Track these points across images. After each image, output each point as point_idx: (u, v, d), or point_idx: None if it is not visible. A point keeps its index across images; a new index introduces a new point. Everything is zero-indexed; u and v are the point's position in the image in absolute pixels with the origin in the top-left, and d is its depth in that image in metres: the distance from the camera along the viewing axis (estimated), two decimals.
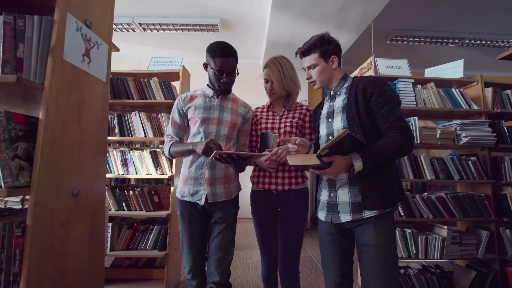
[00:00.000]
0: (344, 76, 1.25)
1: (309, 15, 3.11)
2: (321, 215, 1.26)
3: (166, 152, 1.40)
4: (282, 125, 1.44)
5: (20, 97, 0.87)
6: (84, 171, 0.97)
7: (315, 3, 2.91)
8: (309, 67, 1.23)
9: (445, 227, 2.07)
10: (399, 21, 3.72)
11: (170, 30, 3.83)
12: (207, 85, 1.44)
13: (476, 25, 3.74)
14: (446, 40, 3.98)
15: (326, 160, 1.01)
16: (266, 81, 1.47)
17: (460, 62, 2.29)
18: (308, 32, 3.42)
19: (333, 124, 1.21)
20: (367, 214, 1.10)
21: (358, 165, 1.03)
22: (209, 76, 1.38)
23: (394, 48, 4.35)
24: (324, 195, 1.25)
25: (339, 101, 1.21)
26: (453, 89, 2.24)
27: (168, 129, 1.44)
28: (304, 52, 1.23)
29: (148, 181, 2.65)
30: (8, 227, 0.74)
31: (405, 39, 3.99)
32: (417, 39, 3.98)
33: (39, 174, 0.77)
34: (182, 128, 1.44)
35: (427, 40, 3.99)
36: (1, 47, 0.78)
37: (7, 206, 1.88)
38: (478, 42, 4.01)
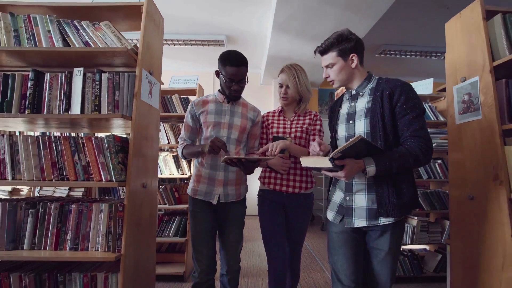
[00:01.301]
0: (368, 76, 1.20)
1: (305, 36, 3.61)
2: (330, 215, 1.25)
3: (180, 154, 1.49)
4: (293, 130, 1.51)
5: (115, 124, 1.36)
6: (147, 171, 1.46)
7: (310, 26, 3.42)
8: (327, 66, 1.19)
9: (415, 217, 2.56)
10: (386, 38, 4.22)
11: (180, 45, 4.32)
12: (219, 90, 1.51)
13: None
14: (430, 54, 4.49)
15: (338, 163, 1.01)
16: (281, 86, 1.53)
17: (430, 81, 2.79)
18: (304, 49, 3.93)
19: (355, 127, 1.18)
20: (383, 221, 1.09)
21: (371, 170, 1.03)
22: (220, 82, 1.46)
23: (384, 60, 4.86)
24: (338, 197, 1.22)
25: (362, 103, 1.17)
26: (423, 104, 2.73)
27: (182, 133, 1.52)
28: (322, 51, 1.19)
29: (163, 180, 3.13)
30: (114, 206, 1.23)
31: (393, 53, 4.49)
32: (404, 53, 4.49)
33: (131, 173, 1.25)
34: (195, 132, 1.52)
35: (412, 53, 4.49)
36: (106, 93, 1.27)
37: (55, 194, 2.36)
38: None
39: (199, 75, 3.15)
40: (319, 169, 1.15)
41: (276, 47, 3.94)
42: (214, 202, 1.42)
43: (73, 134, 2.25)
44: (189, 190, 1.48)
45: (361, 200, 1.13)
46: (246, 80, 1.44)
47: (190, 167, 2.62)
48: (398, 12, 3.45)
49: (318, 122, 1.54)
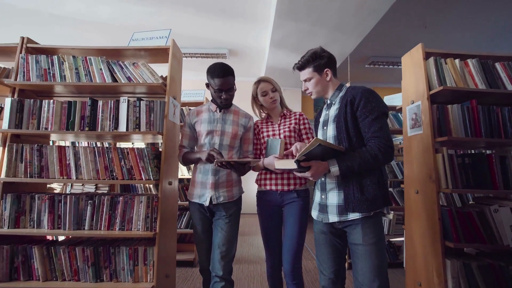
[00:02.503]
0: (339, 86, 1.36)
1: (300, 51, 4.08)
2: (314, 214, 1.39)
3: (180, 161, 1.66)
4: (282, 131, 1.66)
5: (150, 137, 1.85)
6: (171, 172, 1.94)
7: (304, 43, 3.92)
8: (305, 80, 1.35)
9: (392, 212, 3.04)
10: (374, 51, 4.72)
11: (186, 57, 4.81)
12: (211, 100, 1.68)
13: None
14: None
15: (304, 165, 1.15)
16: (265, 94, 1.68)
17: None
18: None
19: (327, 132, 1.34)
20: (352, 216, 1.21)
21: (334, 170, 1.17)
22: (211, 93, 1.62)
23: (373, 70, 5.36)
24: (317, 196, 1.37)
25: (333, 110, 1.33)
26: (399, 113, 3.22)
27: (181, 141, 1.70)
28: (299, 67, 1.36)
29: None
30: (150, 198, 1.72)
31: (381, 63, 4.98)
32: (390, 64, 4.98)
33: (163, 174, 1.74)
34: (192, 139, 1.68)
35: (399, 64, 4.98)
36: (145, 116, 1.76)
37: (84, 190, 2.83)
38: None
39: (203, 82, 3.70)
40: (290, 171, 1.30)
41: (274, 60, 4.44)
42: (206, 203, 1.57)
43: (98, 144, 2.76)
44: (188, 195, 1.68)
45: (333, 198, 1.28)
46: (234, 88, 1.60)
47: None
48: (383, 30, 3.95)
49: (306, 121, 1.71)
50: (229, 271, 1.53)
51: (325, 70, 1.32)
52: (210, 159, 1.41)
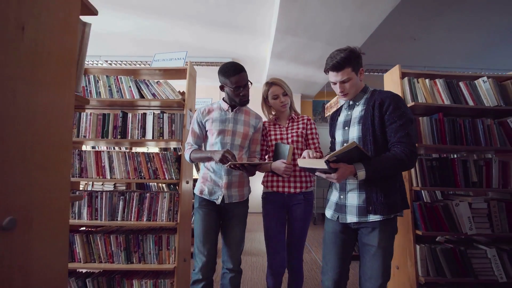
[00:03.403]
0: (364, 88, 1.36)
1: (298, 61, 4.48)
2: (328, 213, 1.40)
3: (187, 158, 1.63)
4: (290, 135, 1.69)
5: (163, 143, 2.23)
6: (188, 173, 2.32)
7: (301, 54, 4.29)
8: (343, 82, 1.29)
9: None
10: (369, 60, 5.09)
11: (193, 65, 5.20)
12: (223, 99, 1.67)
13: (428, 61, 5.13)
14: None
15: (333, 166, 1.14)
16: (276, 97, 1.71)
17: None
18: (298, 70, 4.81)
19: (349, 133, 1.34)
20: (372, 218, 1.23)
21: (361, 174, 1.16)
22: (227, 94, 1.60)
23: (368, 78, 5.73)
24: (334, 196, 1.38)
25: (357, 112, 1.32)
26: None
27: (189, 138, 1.69)
28: (337, 67, 1.26)
29: None
30: (173, 194, 2.10)
31: (376, 71, 5.36)
32: (385, 72, 5.35)
33: (182, 174, 2.12)
34: (201, 137, 1.68)
35: None
36: (167, 126, 2.14)
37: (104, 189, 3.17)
38: None
39: (208, 87, 4.07)
40: (314, 170, 1.27)
41: (275, 69, 4.82)
42: (218, 202, 1.59)
43: (116, 148, 3.12)
44: (196, 190, 1.68)
45: (353, 199, 1.29)
46: (250, 83, 1.61)
47: None
48: (377, 41, 4.31)
49: (313, 126, 1.76)
50: (239, 263, 1.64)
51: (360, 69, 1.33)
52: (223, 160, 1.42)
